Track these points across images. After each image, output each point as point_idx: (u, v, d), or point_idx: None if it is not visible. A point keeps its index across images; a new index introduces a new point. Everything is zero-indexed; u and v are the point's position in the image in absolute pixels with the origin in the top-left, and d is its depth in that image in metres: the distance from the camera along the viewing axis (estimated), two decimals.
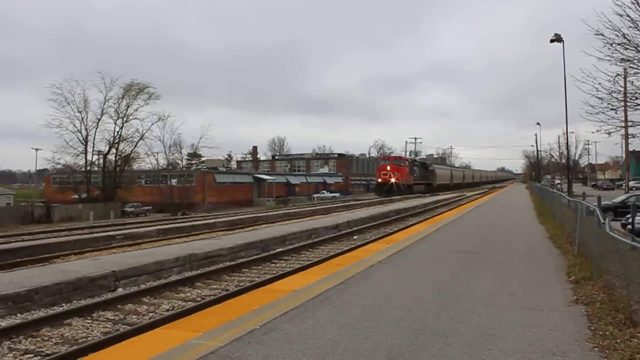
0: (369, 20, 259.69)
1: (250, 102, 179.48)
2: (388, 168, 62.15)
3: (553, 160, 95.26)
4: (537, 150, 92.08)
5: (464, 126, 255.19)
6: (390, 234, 18.63)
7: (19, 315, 8.55)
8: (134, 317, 8.54)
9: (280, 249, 15.79)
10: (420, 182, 70.31)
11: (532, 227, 19.24)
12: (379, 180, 62.95)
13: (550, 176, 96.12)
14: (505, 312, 6.66)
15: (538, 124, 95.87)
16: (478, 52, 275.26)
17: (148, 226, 26.27)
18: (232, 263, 13.21)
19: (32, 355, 6.70)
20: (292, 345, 5.26)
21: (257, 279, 11.41)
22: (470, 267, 10.28)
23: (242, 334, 5.54)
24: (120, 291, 10.31)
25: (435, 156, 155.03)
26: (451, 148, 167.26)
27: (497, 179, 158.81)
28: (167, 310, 8.89)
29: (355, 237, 19.53)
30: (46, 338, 7.42)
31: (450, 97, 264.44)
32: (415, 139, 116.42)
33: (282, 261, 14.01)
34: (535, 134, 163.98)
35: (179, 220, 32.17)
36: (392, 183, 60.21)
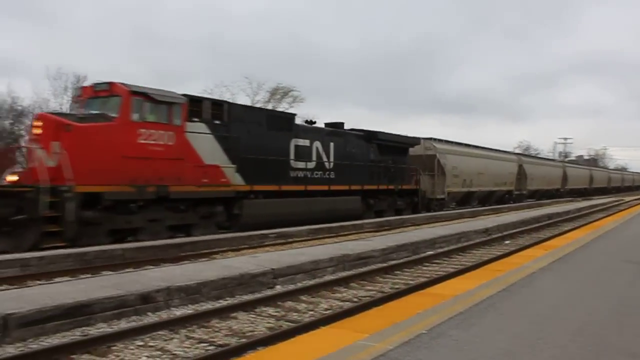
0: (509, 12, 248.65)
1: (388, 101, 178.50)
2: (39, 129, 14.01)
3: None
4: None
5: (619, 124, 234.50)
6: (545, 240, 17.71)
7: (190, 305, 9.16)
8: (294, 314, 8.80)
9: (431, 252, 15.56)
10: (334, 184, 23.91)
11: None
12: None
13: None
14: None
15: None
16: (635, 40, 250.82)
17: (298, 225, 27.00)
18: (384, 265, 13.22)
19: (207, 344, 7.11)
20: (462, 352, 5.11)
21: (411, 281, 11.31)
22: None
23: (409, 337, 5.48)
24: (278, 288, 10.70)
25: (586, 157, 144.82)
26: (604, 149, 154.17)
27: None
28: (326, 309, 9.05)
29: (507, 242, 18.78)
30: (216, 329, 7.85)
31: (603, 92, 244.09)
32: (565, 139, 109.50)
33: (434, 265, 13.79)
34: None
35: None
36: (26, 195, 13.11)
